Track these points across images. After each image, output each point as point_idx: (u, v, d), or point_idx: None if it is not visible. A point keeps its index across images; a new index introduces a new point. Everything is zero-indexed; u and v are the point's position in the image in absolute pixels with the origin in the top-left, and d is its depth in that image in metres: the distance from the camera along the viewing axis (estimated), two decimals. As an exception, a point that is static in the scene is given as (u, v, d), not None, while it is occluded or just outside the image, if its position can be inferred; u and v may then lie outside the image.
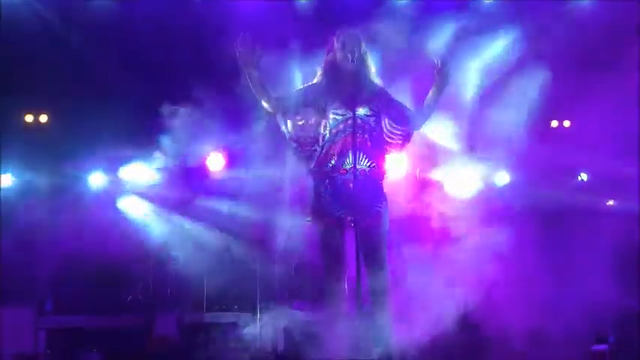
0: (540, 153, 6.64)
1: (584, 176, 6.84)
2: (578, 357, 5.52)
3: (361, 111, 3.78)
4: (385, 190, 3.87)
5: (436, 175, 6.53)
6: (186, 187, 6.80)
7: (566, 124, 7.06)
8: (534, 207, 6.39)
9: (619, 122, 6.25)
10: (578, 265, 6.20)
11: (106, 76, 6.58)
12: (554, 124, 7.05)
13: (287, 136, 3.84)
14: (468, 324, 5.68)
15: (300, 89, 3.95)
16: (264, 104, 3.81)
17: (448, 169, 6.55)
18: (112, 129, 6.74)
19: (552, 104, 6.51)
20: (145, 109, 6.72)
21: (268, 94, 3.78)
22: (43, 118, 7.31)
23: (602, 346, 5.97)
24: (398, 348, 3.70)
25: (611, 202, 6.72)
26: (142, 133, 6.77)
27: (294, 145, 3.84)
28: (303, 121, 3.80)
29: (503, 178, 7.06)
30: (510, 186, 6.85)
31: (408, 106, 3.95)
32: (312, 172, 3.84)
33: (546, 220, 6.40)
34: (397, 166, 6.17)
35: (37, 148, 6.92)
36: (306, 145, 3.83)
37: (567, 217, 6.46)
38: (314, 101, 3.82)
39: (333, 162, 3.76)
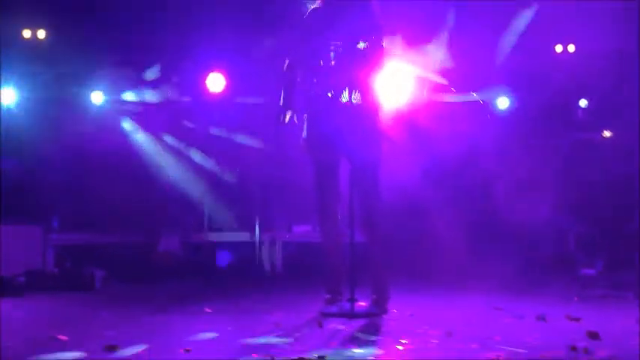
0: (543, 78, 6.59)
1: (583, 103, 6.79)
2: (568, 281, 5.70)
3: (360, 44, 3.74)
4: (383, 123, 3.87)
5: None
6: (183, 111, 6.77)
7: (571, 48, 6.93)
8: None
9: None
10: (573, 194, 6.31)
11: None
12: (559, 49, 6.92)
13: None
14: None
15: (304, 22, 3.88)
16: None
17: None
18: (111, 46, 6.67)
19: (556, 29, 6.40)
20: (145, 27, 6.64)
21: None
22: (41, 34, 7.22)
23: (590, 271, 6.18)
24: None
25: (607, 134, 6.71)
26: (141, 51, 6.71)
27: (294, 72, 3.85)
28: (306, 50, 3.79)
29: (503, 102, 7.05)
30: (511, 111, 6.83)
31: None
32: (309, 105, 3.85)
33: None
34: (400, 93, 6.16)
35: (35, 64, 6.86)
36: (305, 74, 3.83)
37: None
38: (315, 29, 3.79)
39: (329, 95, 3.75)
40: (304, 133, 3.84)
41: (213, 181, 6.62)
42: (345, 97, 3.67)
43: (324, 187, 3.79)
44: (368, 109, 3.76)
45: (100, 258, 5.83)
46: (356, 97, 3.70)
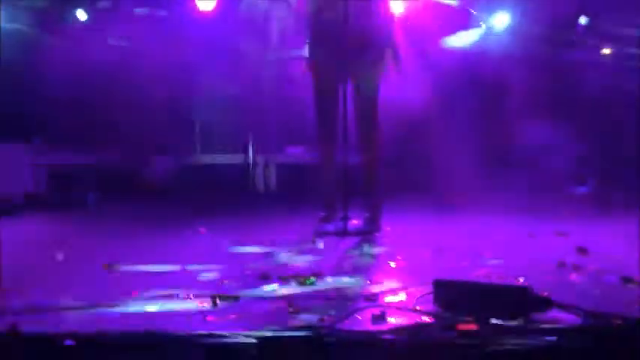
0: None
1: (583, 20, 6.62)
2: (560, 198, 5.77)
3: None
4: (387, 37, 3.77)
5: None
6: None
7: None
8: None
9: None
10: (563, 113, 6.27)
11: None
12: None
13: None
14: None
15: None
16: None
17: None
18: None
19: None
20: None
21: None
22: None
23: (583, 188, 6.23)
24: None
25: (607, 51, 6.57)
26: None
27: None
28: None
29: (502, 20, 6.84)
30: (509, 30, 6.65)
31: None
32: (311, 22, 3.77)
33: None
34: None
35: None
36: None
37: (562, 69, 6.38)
38: None
39: (323, 15, 3.67)
40: (307, 53, 3.78)
41: (205, 103, 6.51)
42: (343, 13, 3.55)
43: (325, 105, 3.75)
44: (373, 23, 3.67)
45: (90, 178, 5.77)
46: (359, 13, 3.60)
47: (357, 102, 3.73)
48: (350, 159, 3.65)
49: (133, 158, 6.07)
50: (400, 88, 4.29)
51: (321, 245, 3.28)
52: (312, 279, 2.42)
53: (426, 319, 1.91)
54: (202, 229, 3.90)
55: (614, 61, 6.40)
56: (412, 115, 6.06)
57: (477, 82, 6.41)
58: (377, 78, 3.76)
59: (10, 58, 6.11)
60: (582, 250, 2.99)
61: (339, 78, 3.68)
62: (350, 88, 3.70)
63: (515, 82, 6.19)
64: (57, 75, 6.29)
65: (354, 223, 3.74)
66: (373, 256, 3.07)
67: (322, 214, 3.85)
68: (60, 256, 2.96)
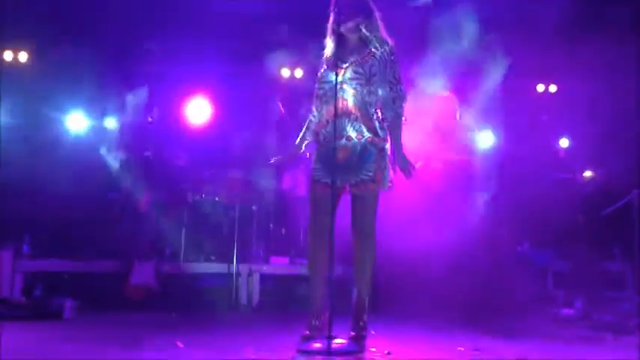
0: (524, 117, 6.63)
1: (565, 143, 6.85)
2: (547, 320, 5.65)
3: (346, 75, 3.72)
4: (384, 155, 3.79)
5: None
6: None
7: (553, 89, 7.04)
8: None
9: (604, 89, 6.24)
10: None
11: (87, 13, 6.45)
12: (540, 88, 7.01)
13: None
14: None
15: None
16: None
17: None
18: (94, 69, 6.62)
19: (539, 68, 6.49)
20: (126, 49, 6.63)
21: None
22: (23, 57, 7.17)
23: (570, 311, 6.13)
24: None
25: (588, 174, 6.74)
26: (122, 75, 6.66)
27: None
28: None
29: (487, 140, 7.04)
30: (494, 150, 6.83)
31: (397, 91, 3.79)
32: (312, 141, 3.88)
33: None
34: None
35: (15, 87, 6.78)
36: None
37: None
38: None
39: (324, 131, 3.75)
40: (314, 165, 3.82)
41: (190, 211, 6.50)
42: (340, 130, 3.64)
43: (321, 214, 3.70)
44: (365, 141, 3.72)
45: (71, 286, 5.66)
46: (348, 130, 3.68)
47: (354, 218, 3.73)
48: (336, 270, 3.58)
49: (115, 266, 5.96)
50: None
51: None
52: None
53: None
54: (179, 343, 3.74)
55: (596, 182, 6.55)
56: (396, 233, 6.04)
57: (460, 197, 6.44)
58: (374, 195, 3.75)
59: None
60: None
61: (336, 195, 3.67)
62: (350, 205, 3.72)
63: (500, 199, 6.26)
64: (44, 179, 6.32)
65: (339, 342, 3.60)
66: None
67: (306, 332, 3.72)
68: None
